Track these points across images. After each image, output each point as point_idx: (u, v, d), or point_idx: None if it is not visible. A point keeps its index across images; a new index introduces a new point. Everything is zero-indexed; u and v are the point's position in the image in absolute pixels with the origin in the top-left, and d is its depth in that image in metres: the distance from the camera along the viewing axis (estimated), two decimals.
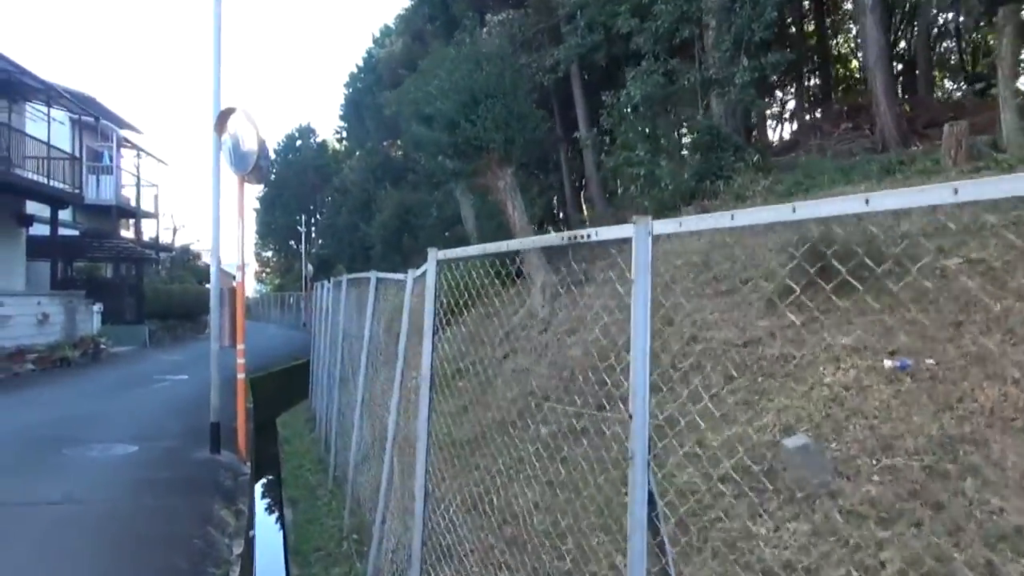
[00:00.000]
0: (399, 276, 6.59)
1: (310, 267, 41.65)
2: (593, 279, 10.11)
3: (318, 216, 54.13)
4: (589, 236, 2.63)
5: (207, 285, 39.72)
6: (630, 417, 2.33)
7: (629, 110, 12.75)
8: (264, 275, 70.11)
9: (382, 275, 7.75)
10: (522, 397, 8.50)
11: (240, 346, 8.08)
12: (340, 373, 9.95)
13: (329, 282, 13.53)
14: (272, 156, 59.39)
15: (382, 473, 6.00)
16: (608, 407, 6.59)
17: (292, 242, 61.93)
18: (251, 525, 6.82)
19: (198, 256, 39.62)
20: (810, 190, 10.15)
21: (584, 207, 18.33)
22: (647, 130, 12.45)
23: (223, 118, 7.67)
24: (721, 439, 5.22)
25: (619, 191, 15.91)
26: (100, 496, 6.44)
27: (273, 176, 58.89)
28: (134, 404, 11.97)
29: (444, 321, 4.72)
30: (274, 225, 58.82)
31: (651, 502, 2.31)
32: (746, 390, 5.87)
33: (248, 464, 8.25)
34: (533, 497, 5.59)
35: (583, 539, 4.83)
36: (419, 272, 5.44)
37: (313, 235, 52.03)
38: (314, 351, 16.80)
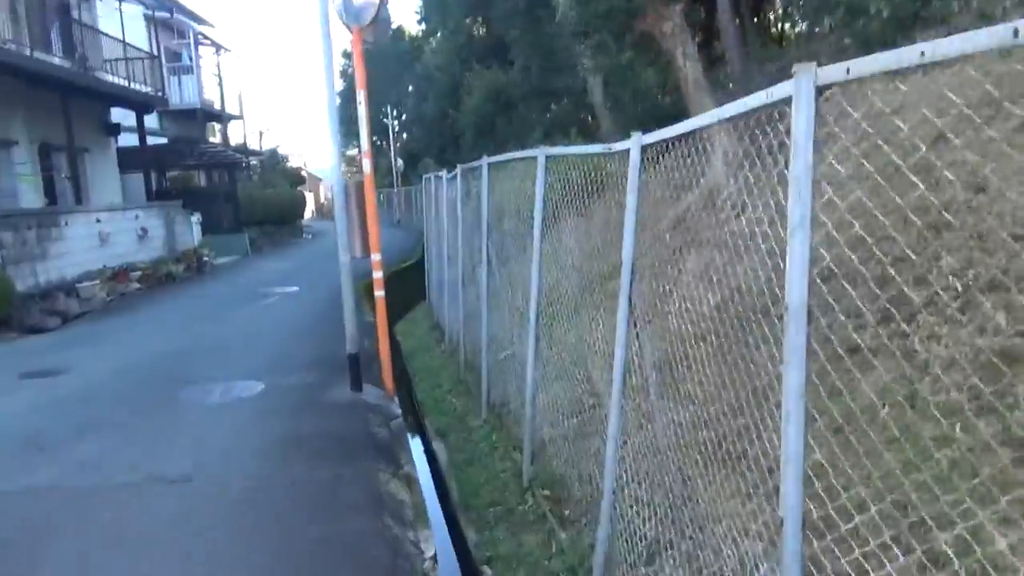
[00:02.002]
0: (595, 147, 4.59)
1: (400, 162, 40.01)
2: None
3: (401, 108, 52.04)
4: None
5: (300, 188, 38.93)
6: None
7: None
8: (350, 174, 69.34)
9: (554, 150, 5.75)
10: (731, 303, 6.50)
11: (375, 256, 6.36)
12: (488, 277, 8.12)
13: (447, 172, 11.60)
14: (349, 49, 57.13)
15: (611, 418, 4.20)
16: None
17: (375, 138, 60.41)
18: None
19: (287, 159, 38.53)
20: None
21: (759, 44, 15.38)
22: None
23: None
24: None
25: (798, 29, 13.03)
26: (233, 468, 4.95)
27: (350, 70, 56.85)
28: (248, 325, 10.66)
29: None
30: (356, 121, 57.11)
31: None
32: None
33: (396, 401, 6.68)
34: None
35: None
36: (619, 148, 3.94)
37: (397, 128, 50.09)
38: (430, 252, 15.15)
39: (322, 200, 68.86)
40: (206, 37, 25.59)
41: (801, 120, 1.90)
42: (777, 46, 14.40)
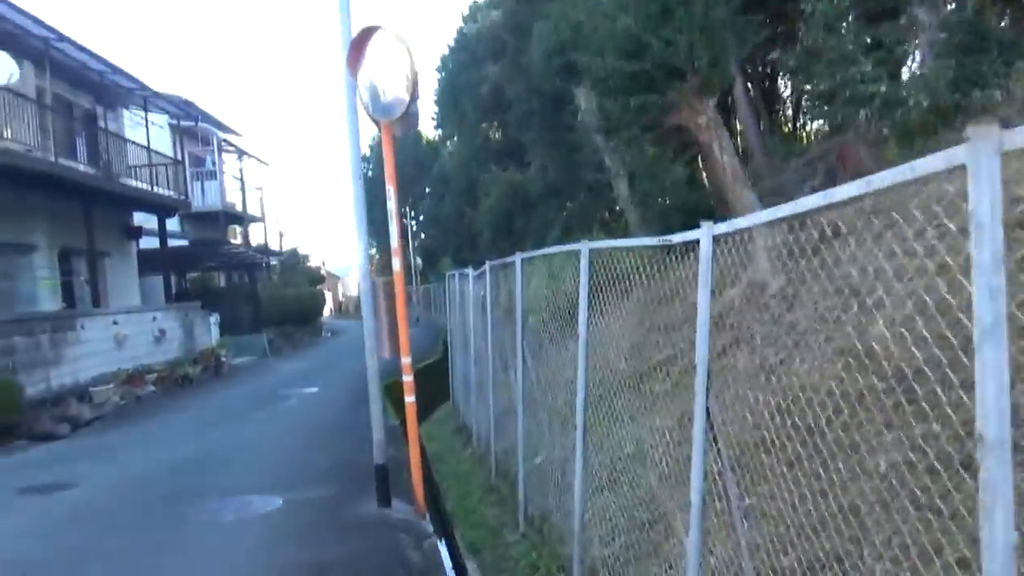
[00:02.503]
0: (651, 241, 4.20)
1: (419, 260, 40.16)
2: (854, 230, 7.43)
3: (418, 209, 52.84)
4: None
5: (319, 287, 39.04)
6: None
7: (834, 17, 9.85)
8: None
9: (599, 244, 5.38)
10: (786, 409, 5.96)
11: (406, 359, 5.90)
12: (524, 376, 7.59)
13: (472, 269, 11.30)
14: (367, 153, 58.70)
15: (691, 537, 3.63)
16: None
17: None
18: None
19: (307, 258, 38.77)
20: None
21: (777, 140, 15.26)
22: (869, 39, 9.55)
23: (360, 44, 5.46)
24: None
25: (820, 124, 12.93)
26: None
27: (369, 174, 58.25)
28: (265, 430, 10.12)
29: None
30: (375, 223, 57.99)
31: None
32: None
33: (427, 517, 6.07)
34: None
35: None
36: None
37: (414, 228, 50.61)
38: (454, 350, 14.71)
39: (340, 299, 69.20)
40: (230, 144, 26.15)
41: (984, 196, 1.54)
42: (794, 141, 14.35)
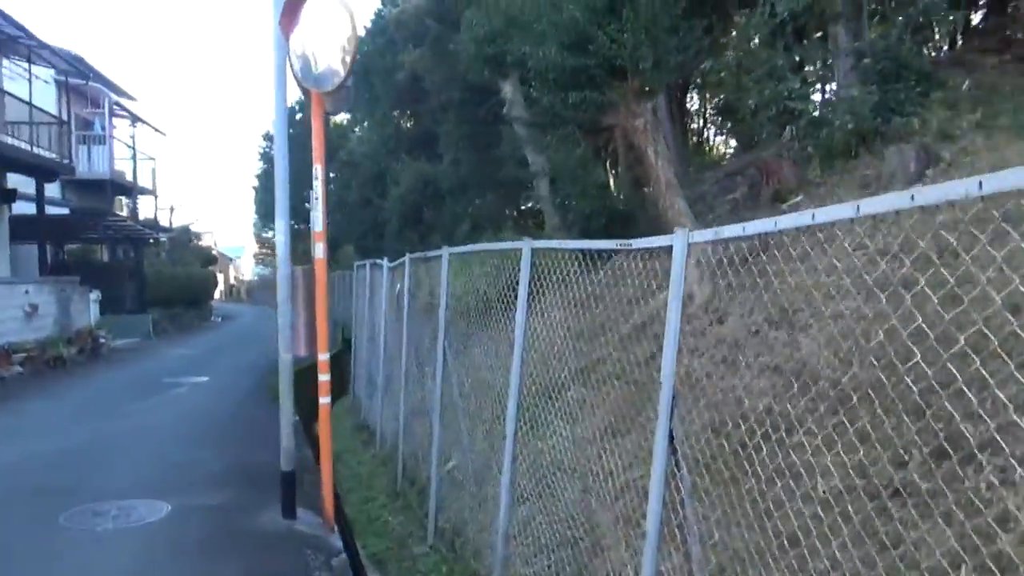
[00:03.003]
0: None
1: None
2: (781, 245, 7.40)
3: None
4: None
5: (212, 268, 37.07)
6: None
7: (765, 33, 9.93)
8: (265, 257, 67.24)
9: (542, 243, 5.06)
10: (728, 419, 5.82)
11: (323, 356, 5.36)
12: (443, 378, 7.15)
13: (388, 261, 10.76)
14: (271, 132, 56.27)
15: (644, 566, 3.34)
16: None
17: (293, 221, 58.78)
18: None
19: (199, 237, 36.72)
20: None
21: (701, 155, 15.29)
22: (798, 57, 9.67)
23: (295, 4, 4.89)
24: None
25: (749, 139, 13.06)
26: None
27: (272, 152, 55.82)
28: (151, 423, 9.24)
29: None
30: (275, 205, 55.67)
31: None
32: None
33: (336, 531, 5.56)
34: None
35: None
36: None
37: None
38: (359, 344, 14.10)
39: (231, 281, 66.24)
40: (123, 108, 24.29)
41: None
42: (704, 154, 14.55)
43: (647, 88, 7.86)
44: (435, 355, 7.07)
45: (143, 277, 22.49)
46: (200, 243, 37.29)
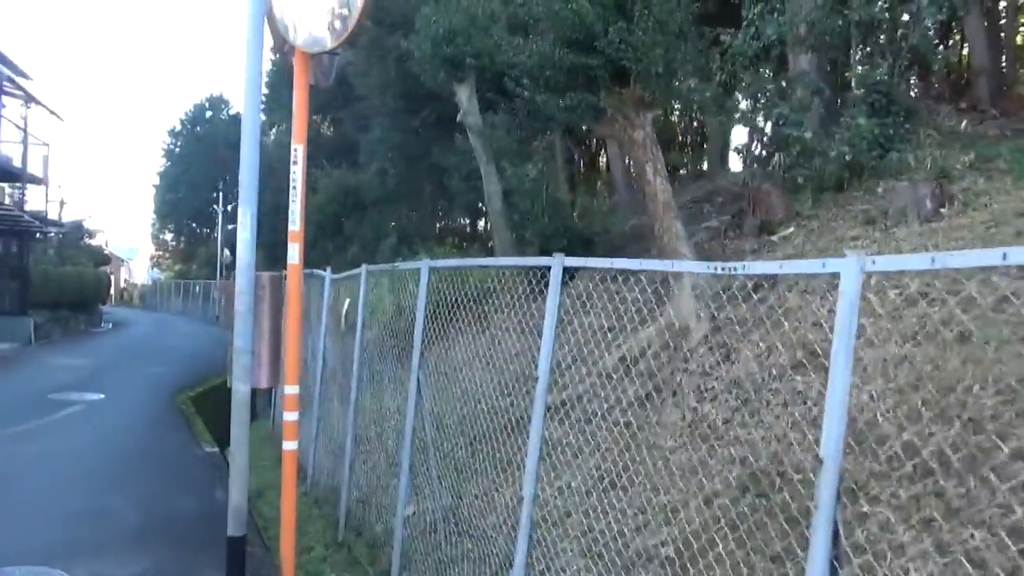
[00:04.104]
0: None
1: (227, 252, 36.47)
2: (785, 278, 6.76)
3: (231, 197, 48.43)
4: None
5: (105, 268, 34.06)
6: None
7: (754, 56, 9.42)
8: (161, 260, 63.22)
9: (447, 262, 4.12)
10: (744, 476, 5.02)
11: (291, 389, 4.20)
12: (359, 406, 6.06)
13: (329, 273, 9.58)
14: (178, 128, 53.13)
15: None
16: None
17: (195, 224, 55.67)
18: None
19: (91, 234, 33.75)
20: None
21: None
22: (787, 85, 9.19)
23: None
24: None
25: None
26: None
27: (177, 150, 52.75)
28: (36, 454, 7.66)
29: None
30: (178, 205, 52.53)
31: None
32: None
33: None
34: None
35: None
36: None
37: (221, 219, 46.23)
38: None
39: (122, 284, 61.88)
40: (16, 86, 21.85)
41: None
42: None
43: (649, 97, 7.10)
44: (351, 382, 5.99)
45: (27, 275, 20.07)
46: (92, 241, 34.28)
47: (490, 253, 14.52)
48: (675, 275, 7.42)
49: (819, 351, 5.89)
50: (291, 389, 4.17)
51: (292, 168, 4.18)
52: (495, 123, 12.42)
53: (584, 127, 7.53)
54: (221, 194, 44.21)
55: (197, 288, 41.93)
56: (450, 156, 17.16)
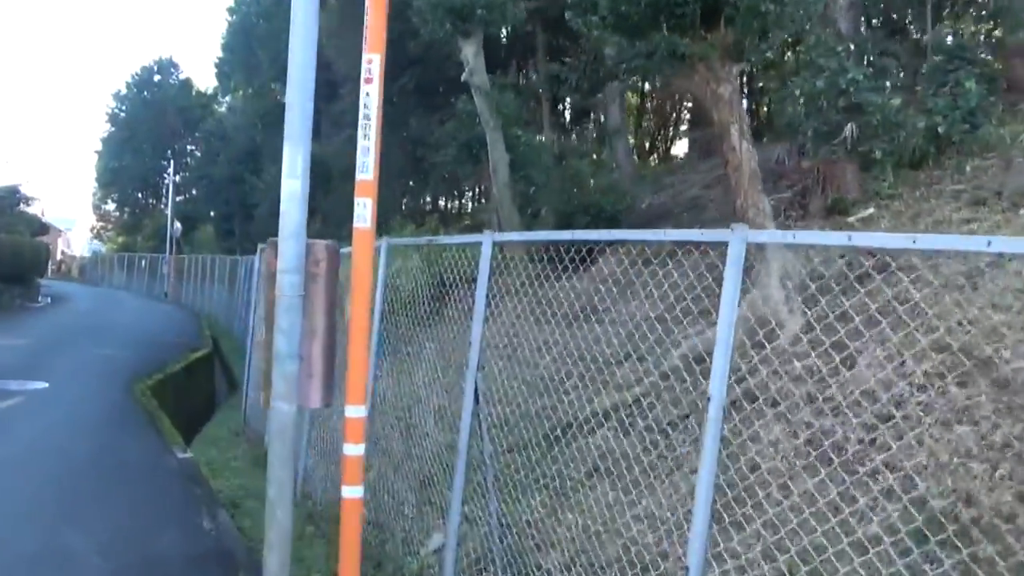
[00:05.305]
0: None
1: (178, 225, 34.22)
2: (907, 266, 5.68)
3: (180, 166, 45.78)
4: None
5: (42, 239, 31.50)
6: None
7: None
8: (103, 232, 59.89)
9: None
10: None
11: (355, 411, 2.86)
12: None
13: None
14: (123, 92, 49.93)
15: None
16: None
17: (141, 195, 52.69)
18: None
19: (28, 201, 31.19)
20: None
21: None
22: (867, 49, 8.10)
23: None
24: None
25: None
26: None
27: (123, 115, 49.66)
28: None
29: None
30: (122, 173, 49.56)
31: None
32: None
33: None
34: None
35: None
36: None
37: (171, 189, 43.66)
38: (252, 350, 11.18)
39: (59, 256, 58.43)
40: None
41: None
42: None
43: (741, 45, 5.89)
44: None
45: None
46: (29, 208, 31.64)
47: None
48: (760, 258, 6.26)
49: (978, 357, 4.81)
50: (355, 411, 2.85)
51: (364, 90, 2.84)
52: (504, 85, 11.12)
53: (656, 80, 6.25)
54: (172, 163, 41.68)
55: (143, 262, 39.49)
56: (432, 126, 15.72)
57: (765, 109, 16.55)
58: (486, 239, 4.52)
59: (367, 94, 2.87)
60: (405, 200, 28.14)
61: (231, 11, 37.43)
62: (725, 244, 2.75)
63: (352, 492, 2.84)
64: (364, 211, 2.86)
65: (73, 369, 11.06)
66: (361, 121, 2.87)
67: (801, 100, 8.04)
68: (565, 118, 22.36)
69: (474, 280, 4.50)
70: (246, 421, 10.95)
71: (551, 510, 5.53)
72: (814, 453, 4.82)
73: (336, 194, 24.10)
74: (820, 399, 5.06)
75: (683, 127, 21.48)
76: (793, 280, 6.07)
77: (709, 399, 2.86)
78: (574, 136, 21.87)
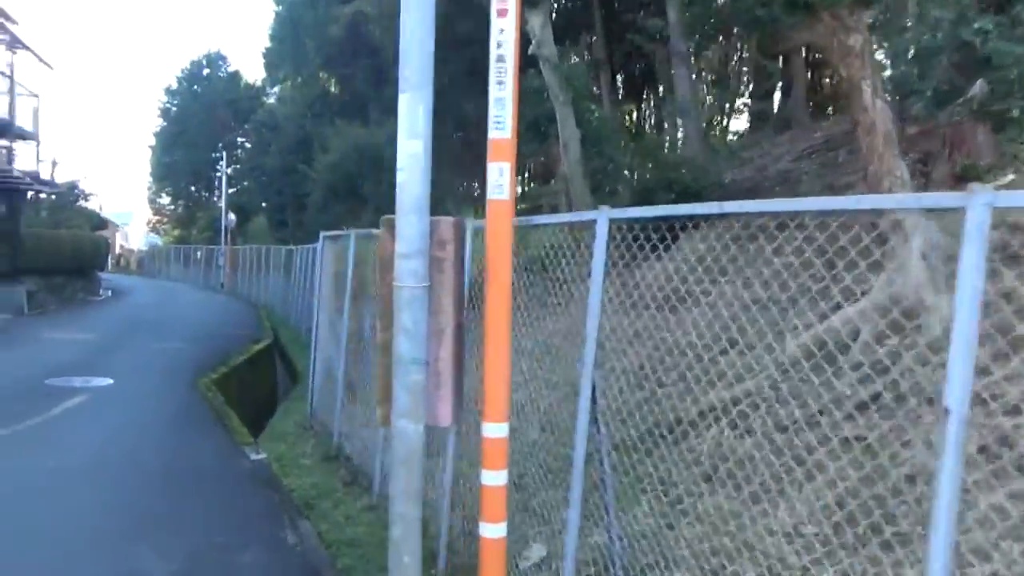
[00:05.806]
0: None
1: (232, 216, 34.34)
2: None
3: (232, 158, 46.08)
4: None
5: (101, 233, 31.93)
6: None
7: None
8: (159, 225, 60.96)
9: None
10: None
11: (497, 430, 2.28)
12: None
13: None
14: (174, 86, 50.44)
15: None
16: None
17: (194, 188, 53.34)
18: None
19: (87, 196, 31.59)
20: None
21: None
22: None
23: None
24: None
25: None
26: None
27: (174, 109, 50.20)
28: (22, 475, 5.72)
29: None
30: (176, 167, 50.18)
31: None
32: None
33: None
34: None
35: None
36: None
37: (224, 181, 43.92)
38: (319, 340, 10.76)
39: (118, 250, 59.71)
40: (3, 29, 19.63)
41: None
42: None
43: None
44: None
45: (18, 238, 18.04)
46: (87, 204, 32.12)
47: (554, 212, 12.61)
48: (896, 231, 5.50)
49: None
50: (495, 429, 2.26)
51: (496, 25, 2.23)
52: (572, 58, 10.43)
53: (777, 32, 5.53)
54: (223, 155, 41.89)
55: (199, 254, 39.88)
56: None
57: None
58: (601, 216, 3.88)
59: (501, 30, 2.25)
60: (462, 187, 27.65)
61: (277, 1, 37.29)
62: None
63: (494, 531, 2.26)
64: (501, 179, 2.26)
65: (136, 364, 10.80)
66: (494, 65, 2.25)
67: (913, 58, 7.18)
68: (620, 92, 21.58)
69: (576, 264, 3.88)
70: (313, 414, 10.54)
71: (662, 519, 4.91)
72: (996, 459, 4.07)
73: (389, 182, 23.67)
74: (990, 398, 4.29)
75: (744, 100, 20.47)
76: (937, 255, 5.30)
77: (947, 411, 2.18)
78: (634, 112, 21.02)
